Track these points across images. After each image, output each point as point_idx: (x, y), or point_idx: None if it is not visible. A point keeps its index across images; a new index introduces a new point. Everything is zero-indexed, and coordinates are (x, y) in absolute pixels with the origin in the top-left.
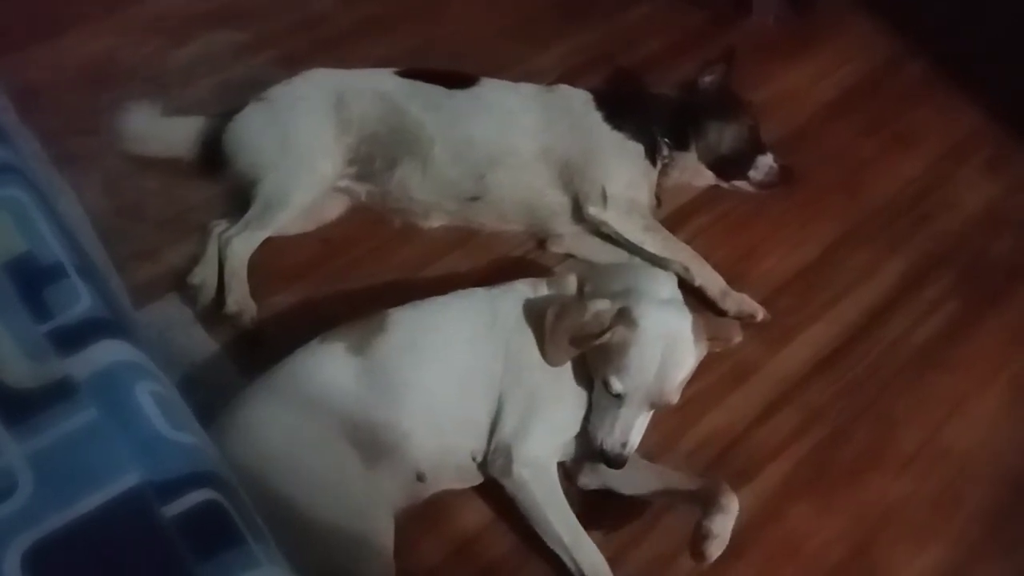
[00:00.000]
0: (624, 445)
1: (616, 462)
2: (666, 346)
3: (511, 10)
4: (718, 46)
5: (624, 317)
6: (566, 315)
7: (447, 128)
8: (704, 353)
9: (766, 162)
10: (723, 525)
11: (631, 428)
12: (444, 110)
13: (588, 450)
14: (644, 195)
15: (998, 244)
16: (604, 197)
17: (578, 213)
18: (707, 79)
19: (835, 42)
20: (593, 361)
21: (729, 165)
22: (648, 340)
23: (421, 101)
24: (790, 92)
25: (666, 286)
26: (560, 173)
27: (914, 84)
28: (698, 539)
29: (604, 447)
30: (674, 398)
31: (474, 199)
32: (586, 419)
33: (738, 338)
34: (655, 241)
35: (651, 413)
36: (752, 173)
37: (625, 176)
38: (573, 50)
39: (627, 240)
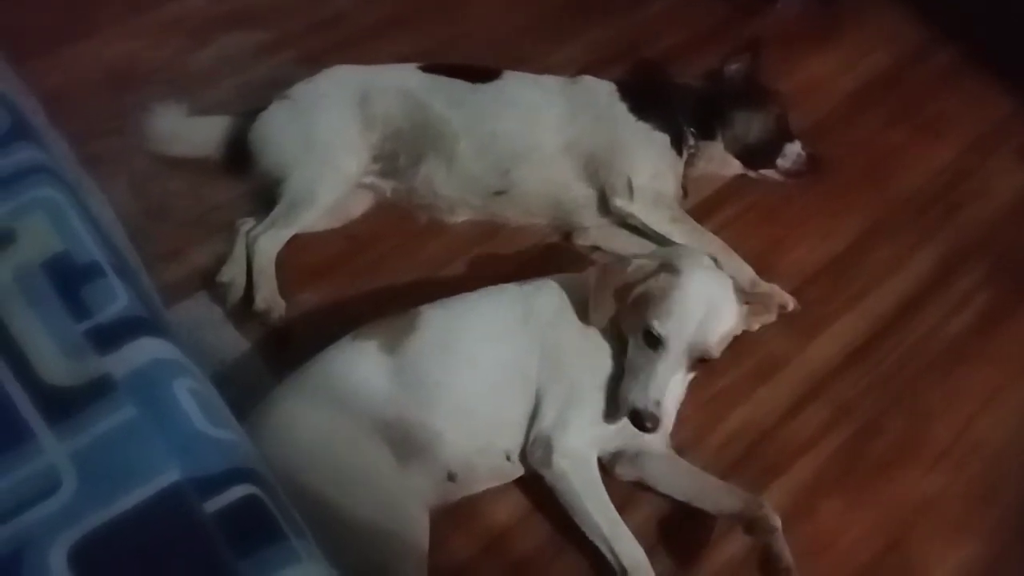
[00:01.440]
0: (658, 403)
1: (648, 421)
2: (709, 294)
3: (530, 6)
4: (742, 37)
5: (667, 267)
6: (610, 272)
7: (472, 124)
8: (742, 318)
9: (794, 150)
10: (787, 549)
11: (666, 385)
12: (468, 106)
13: (619, 412)
14: (670, 186)
15: None
16: (630, 188)
17: (604, 206)
18: (732, 68)
19: (861, 31)
20: (631, 317)
21: (757, 154)
22: (692, 285)
23: (445, 97)
24: (816, 82)
25: (704, 258)
26: (585, 165)
27: (941, 72)
28: (777, 571)
29: (636, 405)
30: (715, 351)
31: (499, 193)
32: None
33: (772, 319)
34: (682, 232)
35: (688, 377)
36: (780, 161)
37: (651, 167)
38: (593, 44)
39: (654, 232)
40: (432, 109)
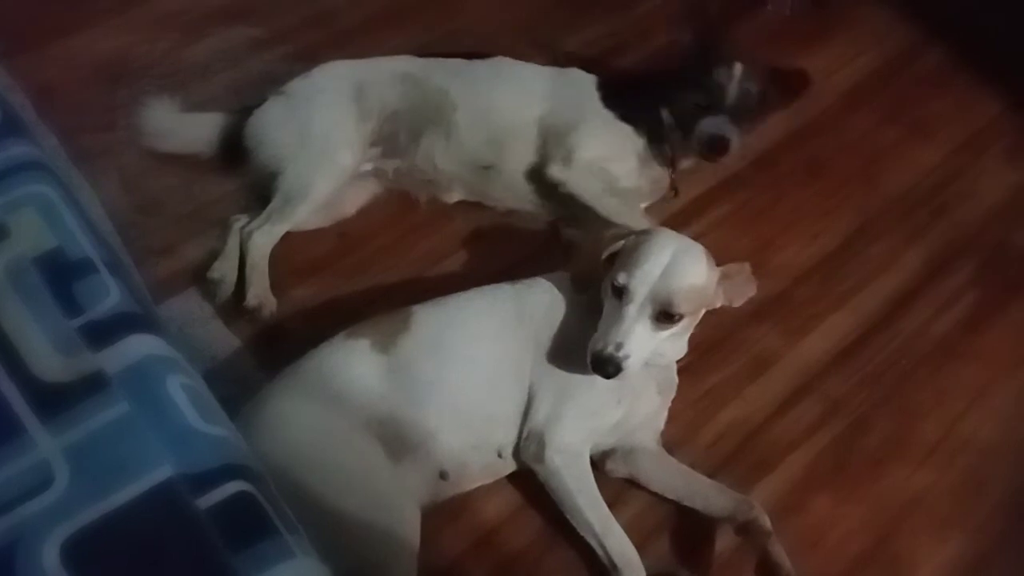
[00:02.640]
0: (619, 346)
1: (608, 364)
2: (676, 251)
3: (525, 3)
4: (734, 36)
5: (640, 232)
6: (591, 242)
7: (468, 95)
8: (719, 286)
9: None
10: (784, 554)
11: (630, 331)
12: (465, 75)
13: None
14: (623, 173)
15: (1019, 233)
16: (570, 159)
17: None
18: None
19: (852, 31)
20: (606, 278)
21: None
22: (659, 241)
23: (442, 70)
24: None
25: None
26: (544, 140)
27: (932, 73)
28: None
29: (595, 347)
30: (680, 303)
31: (489, 167)
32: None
33: (753, 292)
34: (612, 205)
35: (661, 334)
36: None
37: (603, 148)
38: (587, 42)
39: (587, 202)
40: (430, 82)
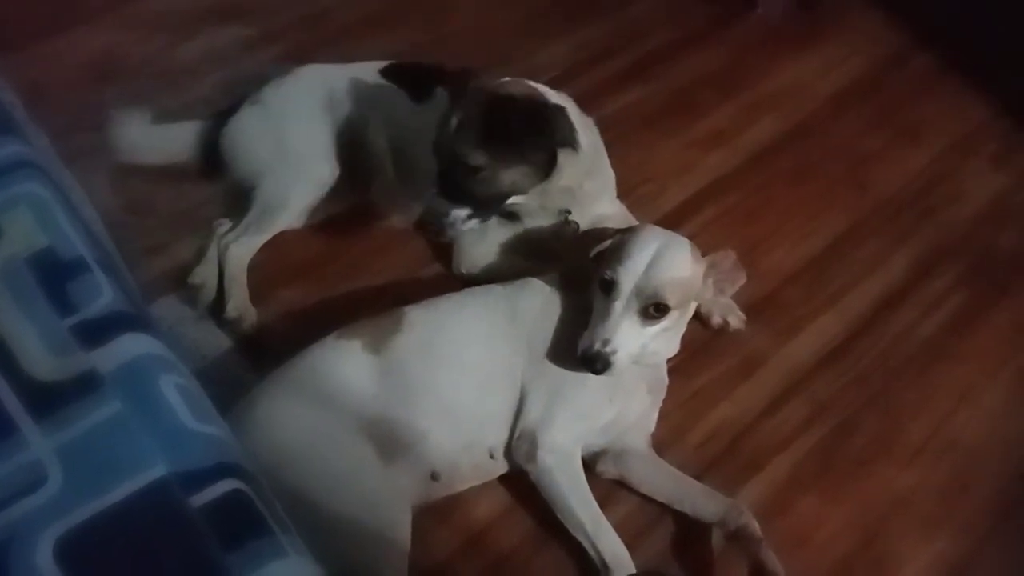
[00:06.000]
0: (606, 343)
1: (597, 361)
2: (661, 244)
3: (517, 5)
4: (725, 39)
5: (626, 229)
6: (579, 241)
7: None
8: (705, 279)
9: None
10: (778, 562)
11: (616, 326)
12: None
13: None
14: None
15: (1005, 236)
16: None
17: None
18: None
19: (842, 35)
20: (594, 275)
21: None
22: (645, 235)
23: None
24: (797, 85)
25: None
26: None
27: (921, 77)
28: None
29: (583, 344)
30: (666, 295)
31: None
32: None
33: (743, 280)
34: None
35: (651, 329)
36: None
37: None
38: (580, 44)
39: None
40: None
